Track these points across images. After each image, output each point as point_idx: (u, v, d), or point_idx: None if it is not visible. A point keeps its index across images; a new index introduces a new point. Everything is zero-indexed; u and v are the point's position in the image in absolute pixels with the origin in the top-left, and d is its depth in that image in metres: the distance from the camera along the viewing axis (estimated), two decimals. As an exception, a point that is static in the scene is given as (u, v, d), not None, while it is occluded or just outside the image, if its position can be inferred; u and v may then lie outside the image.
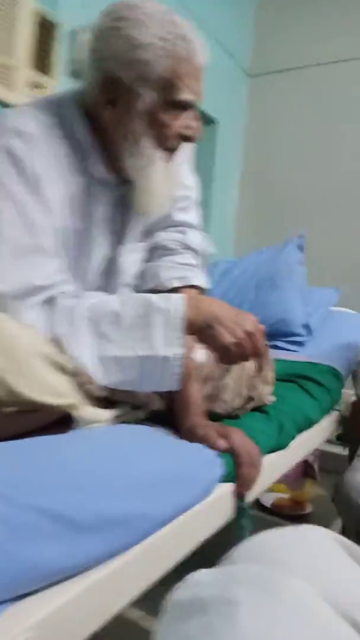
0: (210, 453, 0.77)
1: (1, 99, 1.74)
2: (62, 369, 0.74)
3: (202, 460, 0.75)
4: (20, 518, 0.47)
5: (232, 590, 0.33)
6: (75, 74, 2.10)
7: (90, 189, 0.87)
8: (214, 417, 0.94)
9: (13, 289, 0.76)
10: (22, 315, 0.76)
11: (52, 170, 0.81)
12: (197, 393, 0.88)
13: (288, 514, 1.95)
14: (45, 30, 1.89)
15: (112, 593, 0.55)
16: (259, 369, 0.83)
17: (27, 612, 0.46)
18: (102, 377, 0.76)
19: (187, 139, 0.85)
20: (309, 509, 1.98)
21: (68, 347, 0.75)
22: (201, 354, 0.94)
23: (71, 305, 0.78)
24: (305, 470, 2.22)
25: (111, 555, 0.55)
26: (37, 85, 1.89)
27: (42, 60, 1.90)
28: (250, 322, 0.79)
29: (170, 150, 0.85)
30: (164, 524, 0.62)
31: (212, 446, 0.78)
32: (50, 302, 0.79)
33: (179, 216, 1.01)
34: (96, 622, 0.52)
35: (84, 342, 0.76)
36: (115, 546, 0.55)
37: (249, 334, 0.79)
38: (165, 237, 1.00)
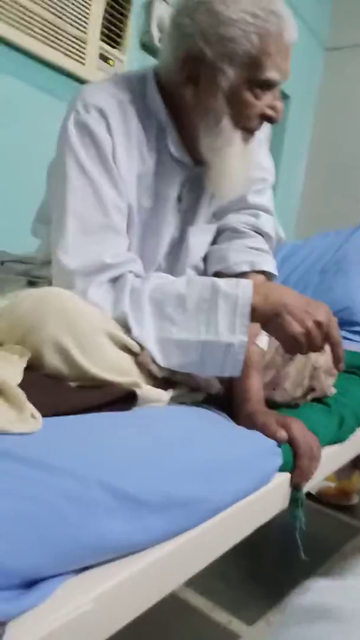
0: (270, 442, 0.76)
1: (72, 71, 1.75)
2: (126, 348, 0.75)
3: (263, 449, 0.74)
4: (87, 493, 0.48)
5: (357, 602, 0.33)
6: (148, 47, 2.06)
7: (163, 167, 0.86)
8: (273, 405, 0.93)
9: (83, 266, 0.77)
10: (88, 292, 0.76)
11: (127, 147, 0.81)
12: (258, 380, 0.87)
13: (333, 503, 1.93)
14: (118, 2, 1.86)
15: (171, 571, 0.56)
16: (337, 360, 0.80)
17: (90, 584, 0.47)
18: (163, 359, 0.76)
19: (269, 119, 0.82)
20: (355, 500, 1.95)
21: (132, 327, 0.75)
22: (265, 340, 0.93)
23: (137, 285, 0.78)
24: (355, 461, 2.18)
25: (172, 535, 0.55)
26: (108, 58, 1.88)
27: (113, 33, 1.89)
28: (322, 312, 0.76)
29: (251, 130, 0.82)
30: (223, 508, 0.63)
31: (272, 436, 0.77)
32: (117, 280, 0.79)
33: (254, 199, 0.98)
34: (154, 598, 0.54)
35: (147, 323, 0.76)
36: (177, 527, 0.56)
37: (319, 324, 0.75)
38: (237, 219, 0.98)
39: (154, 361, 0.76)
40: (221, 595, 1.24)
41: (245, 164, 0.85)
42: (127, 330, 0.76)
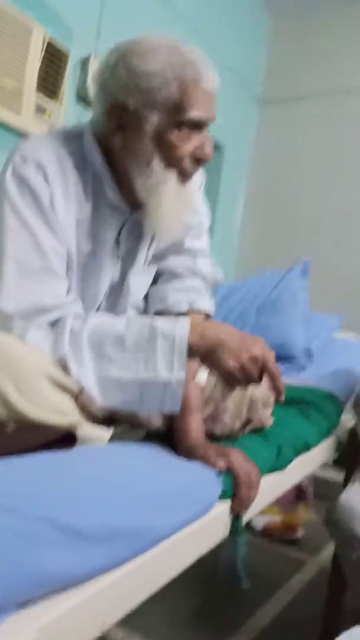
0: (210, 472, 0.79)
1: (9, 123, 1.79)
2: (65, 389, 0.76)
3: (203, 479, 0.77)
4: (29, 528, 0.49)
5: None
6: (84, 100, 2.16)
7: (100, 213, 0.90)
8: (212, 437, 0.96)
9: (22, 309, 0.78)
10: (27, 335, 0.78)
11: (65, 194, 0.84)
12: (198, 417, 0.90)
13: (280, 537, 1.95)
14: (56, 58, 1.96)
15: (114, 602, 0.56)
16: (278, 392, 0.84)
17: (32, 616, 0.48)
18: (103, 398, 0.78)
19: (198, 160, 0.86)
20: (300, 533, 1.98)
21: (71, 368, 0.77)
22: (204, 375, 0.97)
23: (76, 327, 0.79)
24: (298, 494, 2.23)
25: (115, 565, 0.57)
26: (45, 110, 1.95)
27: (51, 86, 1.96)
28: (257, 347, 0.80)
29: (185, 173, 0.86)
30: (165, 537, 0.64)
31: (212, 466, 0.80)
32: (56, 323, 0.81)
33: (191, 242, 1.03)
34: (96, 630, 0.54)
35: (86, 363, 0.77)
36: (120, 557, 0.57)
37: (255, 359, 0.79)
38: (174, 262, 1.03)
39: (93, 402, 0.78)
40: (168, 637, 1.22)
41: (182, 204, 0.89)
42: (66, 371, 0.77)
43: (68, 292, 0.86)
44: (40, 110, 1.92)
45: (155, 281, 1.04)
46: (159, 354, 0.77)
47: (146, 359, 0.77)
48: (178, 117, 0.82)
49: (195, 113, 0.82)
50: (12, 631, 0.45)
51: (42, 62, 1.89)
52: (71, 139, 0.89)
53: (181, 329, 0.79)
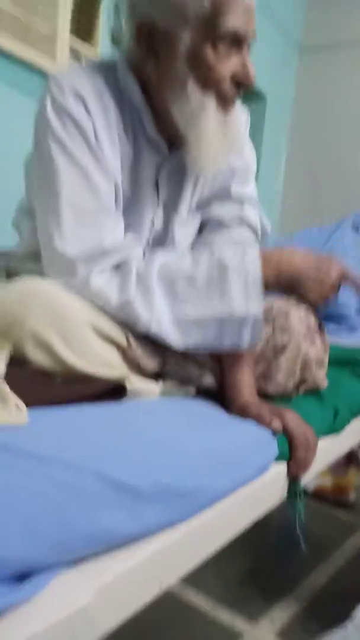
0: (265, 432, 0.75)
1: (45, 68, 1.74)
2: (112, 341, 0.73)
3: (258, 439, 0.73)
4: (81, 483, 0.47)
5: None
6: (115, 40, 2.07)
7: (140, 151, 0.84)
8: (265, 397, 0.92)
9: (83, 252, 0.75)
10: (91, 280, 0.74)
11: (108, 129, 0.79)
12: (250, 373, 0.86)
13: (331, 500, 1.91)
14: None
15: (171, 563, 0.54)
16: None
17: (87, 576, 0.46)
18: (181, 339, 0.76)
19: (239, 82, 0.78)
20: (352, 497, 1.94)
21: (139, 315, 0.74)
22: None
23: (143, 268, 0.76)
24: (349, 457, 2.18)
25: (169, 525, 0.54)
26: (79, 54, 1.88)
27: (85, 29, 1.89)
28: (335, 271, 0.81)
29: (225, 97, 0.79)
30: (220, 498, 0.61)
31: (266, 425, 0.76)
32: (120, 266, 0.77)
33: (237, 189, 0.96)
34: (154, 591, 0.52)
35: (160, 305, 0.75)
36: (174, 518, 0.54)
37: (334, 287, 0.81)
38: (220, 210, 0.96)
39: (142, 355, 0.75)
40: (222, 594, 1.23)
41: (225, 136, 0.81)
42: (132, 317, 0.74)
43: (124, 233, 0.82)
44: (75, 54, 1.86)
45: (200, 230, 0.98)
46: (233, 289, 0.76)
47: (221, 295, 0.76)
48: (212, 31, 0.74)
49: (231, 23, 0.73)
50: (67, 591, 0.43)
51: (74, 4, 1.81)
52: (106, 70, 0.83)
53: (252, 262, 0.77)
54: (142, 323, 0.74)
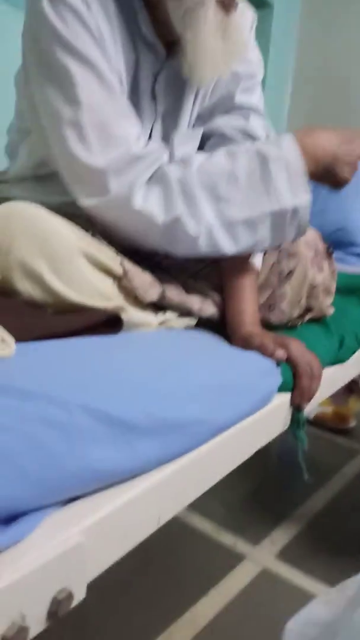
0: (268, 362, 0.71)
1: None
2: (106, 271, 0.68)
3: (261, 369, 0.69)
4: (68, 418, 0.43)
5: None
6: None
7: (139, 59, 0.75)
8: (269, 326, 0.88)
9: (113, 162, 0.68)
10: (133, 199, 0.68)
11: (109, 31, 0.70)
12: (253, 302, 0.82)
13: (331, 426, 1.94)
14: None
15: (170, 497, 0.52)
16: None
17: (79, 515, 0.43)
18: (234, 244, 0.73)
19: None
20: (352, 423, 1.96)
21: (188, 228, 0.70)
22: (258, 259, 0.87)
23: (180, 175, 0.70)
24: (349, 386, 2.19)
25: (167, 460, 0.51)
26: None
27: None
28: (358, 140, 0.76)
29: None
30: (222, 430, 0.59)
31: (270, 355, 0.72)
32: (156, 177, 0.70)
33: (242, 98, 0.87)
34: (152, 526, 0.50)
35: (206, 212, 0.70)
36: (171, 451, 0.51)
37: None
38: (223, 122, 0.87)
39: (139, 286, 0.70)
40: (225, 518, 1.26)
41: (227, 39, 0.72)
42: (185, 232, 0.70)
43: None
44: None
45: (201, 146, 0.89)
46: (279, 182, 0.71)
47: (267, 190, 0.71)
48: None
49: None
50: (58, 530, 0.41)
51: None
52: None
53: (291, 150, 0.72)
54: (188, 241, 0.71)
